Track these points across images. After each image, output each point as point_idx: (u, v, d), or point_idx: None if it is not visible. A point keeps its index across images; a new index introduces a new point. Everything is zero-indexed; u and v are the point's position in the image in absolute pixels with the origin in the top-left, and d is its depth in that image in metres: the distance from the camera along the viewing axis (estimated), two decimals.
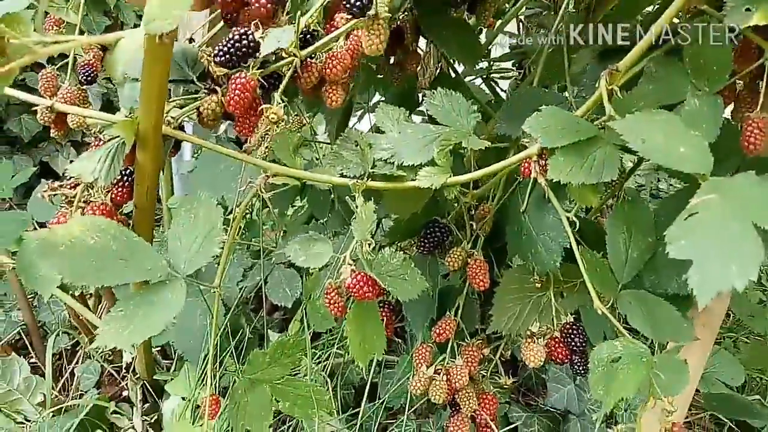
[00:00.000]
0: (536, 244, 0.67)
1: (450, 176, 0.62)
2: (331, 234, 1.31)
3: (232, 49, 0.54)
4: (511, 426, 1.09)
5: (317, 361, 1.04)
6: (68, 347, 1.25)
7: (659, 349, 0.77)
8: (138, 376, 1.04)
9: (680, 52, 0.59)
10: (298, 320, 1.00)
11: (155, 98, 0.52)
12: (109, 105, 2.19)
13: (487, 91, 1.42)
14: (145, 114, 0.54)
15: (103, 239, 0.52)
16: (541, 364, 0.70)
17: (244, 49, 0.55)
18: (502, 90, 1.52)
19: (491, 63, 1.45)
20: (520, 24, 1.82)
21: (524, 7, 1.31)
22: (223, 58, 0.55)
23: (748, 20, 0.47)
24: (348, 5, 0.56)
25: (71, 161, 2.44)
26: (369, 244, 0.56)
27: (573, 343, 0.71)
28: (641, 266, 0.64)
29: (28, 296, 1.21)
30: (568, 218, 0.60)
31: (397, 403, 1.07)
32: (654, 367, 0.54)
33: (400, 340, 1.19)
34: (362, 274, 0.55)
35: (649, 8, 0.79)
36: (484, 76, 1.45)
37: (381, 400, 1.04)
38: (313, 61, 0.63)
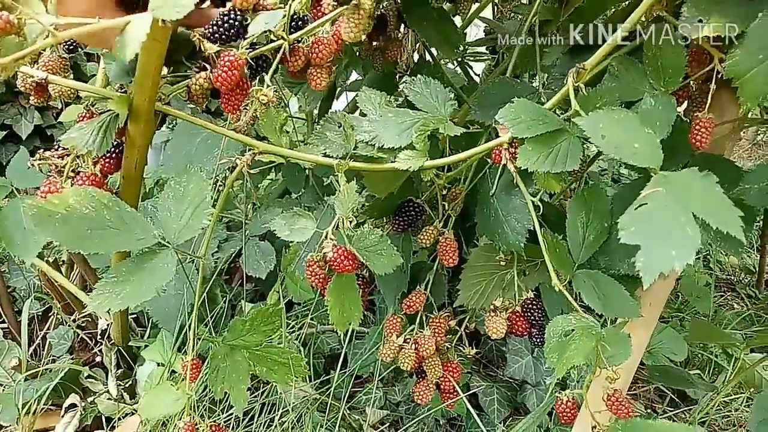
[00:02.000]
0: (503, 225, 0.73)
1: (427, 160, 0.66)
2: (305, 208, 1.34)
3: (221, 28, 0.57)
4: (472, 392, 1.16)
5: (291, 330, 1.08)
6: (39, 313, 1.26)
7: (609, 324, 0.84)
8: (113, 342, 1.06)
9: (640, 52, 0.64)
10: (276, 291, 1.04)
11: (151, 75, 0.55)
12: (76, 68, 2.15)
13: (462, 75, 1.46)
14: (140, 90, 0.56)
15: (97, 209, 0.55)
16: (503, 335, 0.75)
17: (233, 29, 0.57)
18: (475, 74, 1.56)
19: (466, 47, 1.49)
20: (495, 9, 1.85)
21: None
22: (213, 36, 0.57)
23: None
24: None
25: (35, 125, 2.39)
26: (350, 221, 0.60)
27: (533, 318, 0.77)
28: (596, 248, 0.70)
29: None
30: (533, 202, 0.65)
31: (365, 371, 1.13)
32: (601, 339, 0.61)
33: (369, 313, 1.24)
34: (343, 248, 0.59)
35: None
36: (459, 60, 1.49)
37: (350, 369, 1.09)
38: (301, 45, 0.66)
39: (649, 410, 1.33)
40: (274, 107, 0.67)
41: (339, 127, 0.68)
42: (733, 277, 2.15)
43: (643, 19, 0.62)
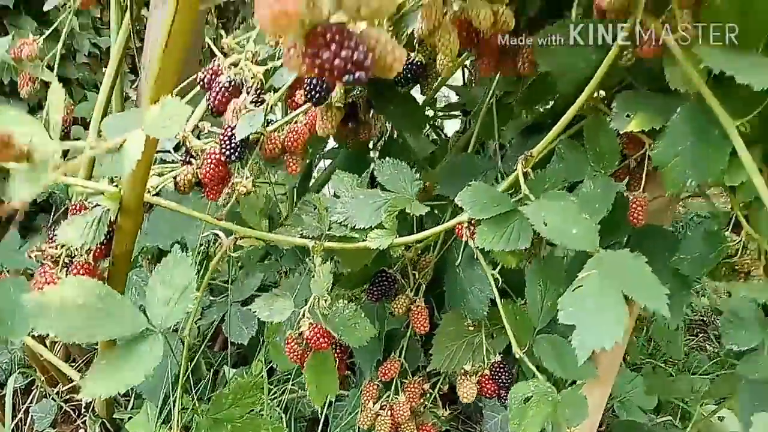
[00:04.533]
0: (468, 295, 0.78)
1: (396, 237, 0.72)
2: (287, 269, 1.39)
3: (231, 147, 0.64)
4: None
5: (273, 396, 1.11)
6: (22, 386, 1.26)
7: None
8: (97, 414, 1.08)
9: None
10: (260, 360, 1.07)
11: (141, 172, 0.60)
12: None
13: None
14: (130, 185, 0.62)
15: (91, 299, 0.59)
16: (473, 399, 0.80)
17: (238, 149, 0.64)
18: (446, 137, 1.65)
19: (436, 113, 1.59)
20: (464, 75, 1.96)
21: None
22: (228, 156, 0.64)
23: (626, 126, 0.60)
24: (309, 96, 0.66)
25: None
26: (326, 300, 0.65)
27: (500, 380, 0.81)
28: (554, 314, 0.76)
29: None
30: (492, 275, 0.71)
31: None
32: (559, 403, 0.66)
33: (350, 374, 1.27)
34: (319, 326, 0.64)
35: None
36: (431, 123, 1.60)
37: None
38: (276, 134, 0.73)
39: None
40: (257, 196, 0.73)
41: (314, 209, 0.74)
42: (705, 318, 2.21)
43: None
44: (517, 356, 0.70)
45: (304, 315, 0.65)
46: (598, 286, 0.52)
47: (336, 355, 0.81)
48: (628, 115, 0.62)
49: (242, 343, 1.20)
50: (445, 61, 0.59)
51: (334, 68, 0.30)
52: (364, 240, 0.71)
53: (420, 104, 0.93)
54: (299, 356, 0.67)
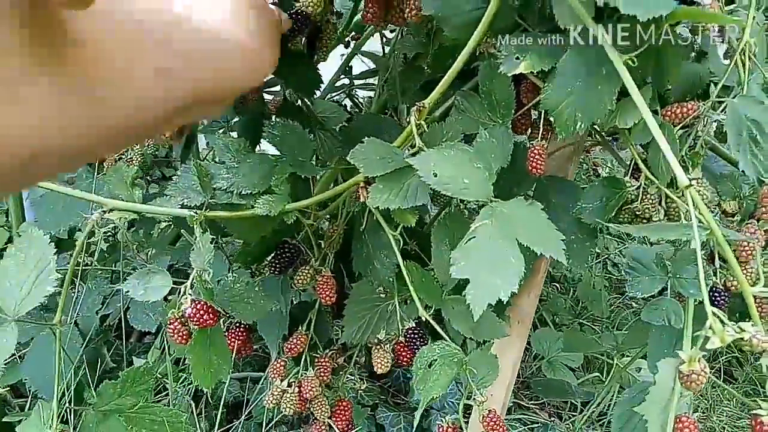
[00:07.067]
0: (374, 261, 0.74)
1: (288, 203, 0.67)
2: None
3: None
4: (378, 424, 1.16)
5: (183, 383, 1.04)
6: None
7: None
8: None
9: None
10: (157, 347, 1.00)
11: None
12: None
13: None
14: None
15: None
16: (388, 369, 0.76)
17: None
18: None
19: (352, 80, 1.53)
20: (383, 41, 1.91)
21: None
22: None
23: (516, 69, 0.56)
24: None
25: None
26: (208, 274, 0.59)
27: (415, 346, 0.78)
28: None
29: None
30: (394, 236, 0.67)
31: (268, 416, 1.10)
32: (467, 365, 0.63)
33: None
34: (202, 302, 0.58)
35: None
36: (347, 92, 1.54)
37: (252, 416, 1.06)
38: None
39: (553, 418, 1.38)
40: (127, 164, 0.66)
41: (196, 176, 0.67)
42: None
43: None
44: (423, 320, 0.66)
45: (185, 292, 0.59)
46: (491, 236, 0.48)
47: (237, 335, 0.76)
48: (517, 58, 0.58)
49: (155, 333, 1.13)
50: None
51: None
52: (252, 206, 0.65)
53: (312, 64, 0.86)
54: (185, 337, 0.60)
